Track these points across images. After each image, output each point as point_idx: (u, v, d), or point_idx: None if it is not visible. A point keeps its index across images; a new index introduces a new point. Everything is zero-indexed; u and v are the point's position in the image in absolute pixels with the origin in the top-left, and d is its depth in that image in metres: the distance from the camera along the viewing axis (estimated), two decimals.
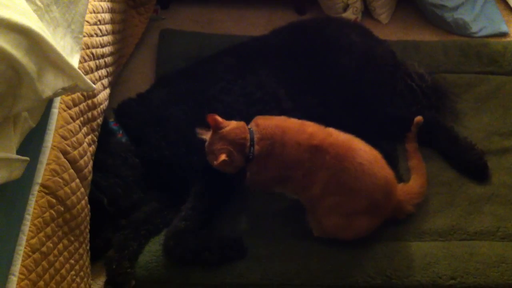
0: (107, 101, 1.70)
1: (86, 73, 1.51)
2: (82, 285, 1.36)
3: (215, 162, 1.40)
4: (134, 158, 1.63)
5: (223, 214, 1.60)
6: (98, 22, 1.65)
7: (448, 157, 1.76)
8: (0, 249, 1.07)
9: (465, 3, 2.35)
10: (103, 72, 1.67)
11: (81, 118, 1.43)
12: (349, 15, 2.32)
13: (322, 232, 1.51)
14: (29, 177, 1.18)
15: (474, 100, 1.97)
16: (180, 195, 1.59)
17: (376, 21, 2.39)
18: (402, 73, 1.92)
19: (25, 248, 1.12)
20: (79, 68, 1.38)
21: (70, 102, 1.36)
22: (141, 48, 2.21)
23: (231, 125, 1.44)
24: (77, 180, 1.34)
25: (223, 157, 1.38)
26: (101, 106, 1.60)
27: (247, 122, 1.49)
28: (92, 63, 1.56)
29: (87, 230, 1.43)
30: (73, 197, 1.30)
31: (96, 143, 1.55)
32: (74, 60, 1.33)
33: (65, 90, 1.10)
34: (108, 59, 1.73)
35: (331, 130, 1.48)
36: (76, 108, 1.40)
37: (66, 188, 1.27)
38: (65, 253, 1.27)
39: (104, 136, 1.60)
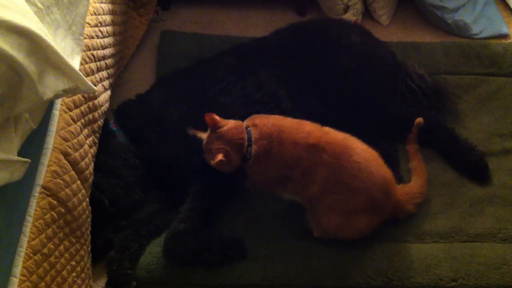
0: (108, 102, 1.70)
1: (87, 75, 1.51)
2: (83, 286, 1.36)
3: (212, 162, 1.41)
4: (134, 158, 1.63)
5: (223, 214, 1.60)
6: (99, 24, 1.65)
7: (449, 158, 1.76)
8: (1, 250, 1.07)
9: (466, 5, 2.35)
10: (104, 74, 1.68)
11: (82, 120, 1.43)
12: (350, 16, 2.32)
13: (322, 232, 1.51)
14: (30, 179, 1.18)
15: (475, 101, 1.97)
16: (181, 195, 1.59)
17: (377, 22, 2.39)
18: (403, 74, 1.92)
19: (26, 249, 1.11)
20: (80, 70, 1.38)
21: (71, 104, 1.37)
22: (142, 50, 2.21)
23: (229, 125, 1.44)
24: (78, 182, 1.34)
25: (220, 157, 1.38)
26: (102, 108, 1.60)
27: None
28: (93, 65, 1.56)
29: (88, 232, 1.43)
30: (74, 199, 1.30)
31: (97, 144, 1.55)
32: (75, 62, 1.33)
33: (66, 92, 1.10)
34: (109, 61, 1.74)
35: (328, 129, 1.49)
36: (77, 110, 1.40)
37: (67, 190, 1.27)
38: (66, 255, 1.27)
39: (104, 137, 1.60)
